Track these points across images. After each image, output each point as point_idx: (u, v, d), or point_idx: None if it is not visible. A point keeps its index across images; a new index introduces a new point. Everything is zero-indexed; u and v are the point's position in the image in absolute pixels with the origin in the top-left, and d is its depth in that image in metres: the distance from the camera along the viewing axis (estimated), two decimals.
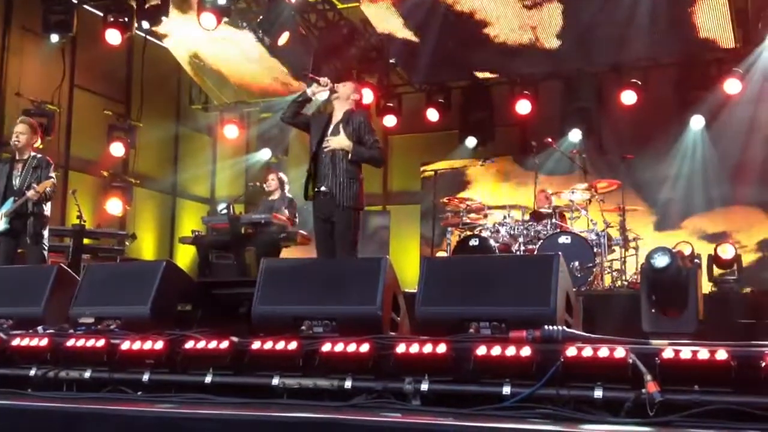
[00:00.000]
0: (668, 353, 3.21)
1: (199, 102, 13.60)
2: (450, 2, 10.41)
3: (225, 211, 8.72)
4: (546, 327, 3.58)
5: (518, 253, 8.68)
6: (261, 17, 10.51)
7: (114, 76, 12.05)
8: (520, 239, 8.96)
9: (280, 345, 3.87)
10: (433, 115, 12.32)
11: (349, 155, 6.16)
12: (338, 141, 6.20)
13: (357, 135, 6.21)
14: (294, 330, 4.15)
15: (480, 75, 12.04)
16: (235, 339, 4.04)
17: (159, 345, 4.10)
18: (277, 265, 4.72)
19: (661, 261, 4.40)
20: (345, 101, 6.40)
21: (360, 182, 6.26)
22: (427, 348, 3.59)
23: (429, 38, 10.89)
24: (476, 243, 8.86)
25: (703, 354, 3.16)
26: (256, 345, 3.94)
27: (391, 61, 12.10)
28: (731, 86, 10.09)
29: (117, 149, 11.59)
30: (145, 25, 10.60)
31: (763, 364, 3.06)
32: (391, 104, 12.51)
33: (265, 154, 13.12)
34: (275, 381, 3.79)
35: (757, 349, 3.21)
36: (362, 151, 6.22)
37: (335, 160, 6.17)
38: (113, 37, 10.08)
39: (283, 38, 10.53)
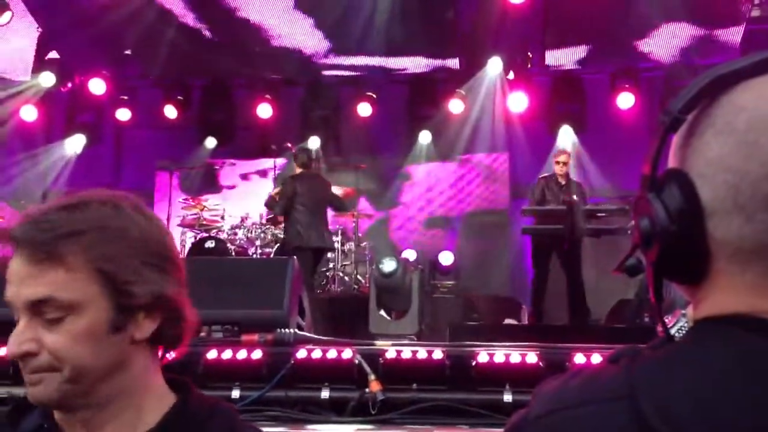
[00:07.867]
0: (391, 353, 3.38)
1: None
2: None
3: None
4: (278, 330, 3.61)
5: (255, 256, 8.69)
6: None
7: None
8: (258, 242, 8.99)
9: None
10: (171, 111, 11.88)
11: None
12: None
13: None
14: None
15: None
16: None
17: None
18: None
19: (388, 266, 4.67)
20: None
21: None
22: None
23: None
24: (212, 245, 8.73)
25: (422, 354, 3.37)
26: None
27: (126, 51, 11.47)
28: (455, 106, 10.88)
29: None
30: None
31: (474, 363, 3.32)
32: (126, 97, 11.87)
33: None
34: None
35: (469, 350, 3.49)
36: None
37: None
38: None
39: (5, 18, 9.61)
